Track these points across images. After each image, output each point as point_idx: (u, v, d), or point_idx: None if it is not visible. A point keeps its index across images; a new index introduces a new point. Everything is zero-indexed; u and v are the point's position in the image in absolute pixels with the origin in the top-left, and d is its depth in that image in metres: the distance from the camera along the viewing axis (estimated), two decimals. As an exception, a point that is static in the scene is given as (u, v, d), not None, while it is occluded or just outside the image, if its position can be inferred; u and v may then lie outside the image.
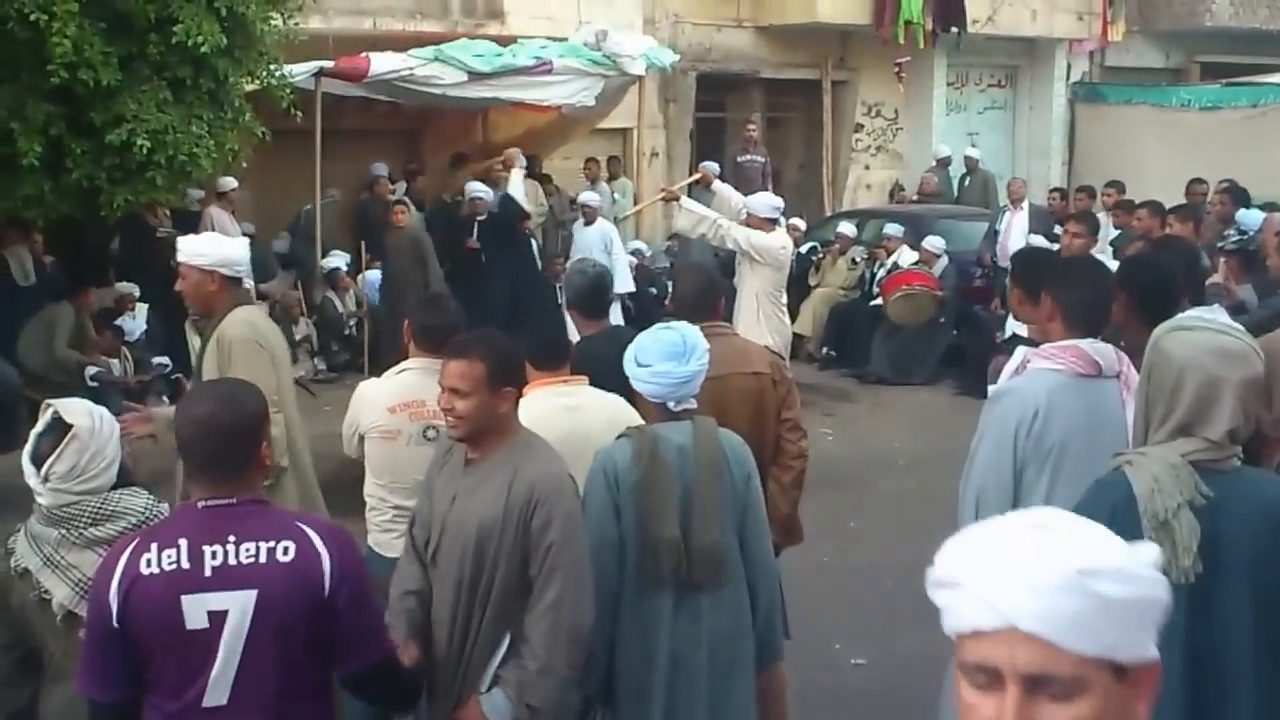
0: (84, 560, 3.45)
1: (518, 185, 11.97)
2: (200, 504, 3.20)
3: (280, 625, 3.16)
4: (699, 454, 4.16)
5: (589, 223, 13.94)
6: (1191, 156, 17.31)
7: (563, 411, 4.46)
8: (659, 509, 4.08)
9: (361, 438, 5.11)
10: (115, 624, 3.10)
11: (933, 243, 14.11)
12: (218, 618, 3.12)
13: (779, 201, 10.10)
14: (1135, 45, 22.45)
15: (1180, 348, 3.35)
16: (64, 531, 3.46)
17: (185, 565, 3.11)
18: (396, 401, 5.04)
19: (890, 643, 6.82)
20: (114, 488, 3.56)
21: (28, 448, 3.54)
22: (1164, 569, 3.11)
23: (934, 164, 18.78)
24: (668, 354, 4.20)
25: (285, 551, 3.16)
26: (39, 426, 3.56)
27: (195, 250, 5.52)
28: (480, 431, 3.92)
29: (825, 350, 14.66)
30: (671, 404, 4.23)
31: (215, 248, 5.58)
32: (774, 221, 9.75)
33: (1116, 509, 3.30)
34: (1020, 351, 4.60)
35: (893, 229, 14.59)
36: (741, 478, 4.28)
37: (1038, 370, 4.33)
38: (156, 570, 3.10)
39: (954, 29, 18.89)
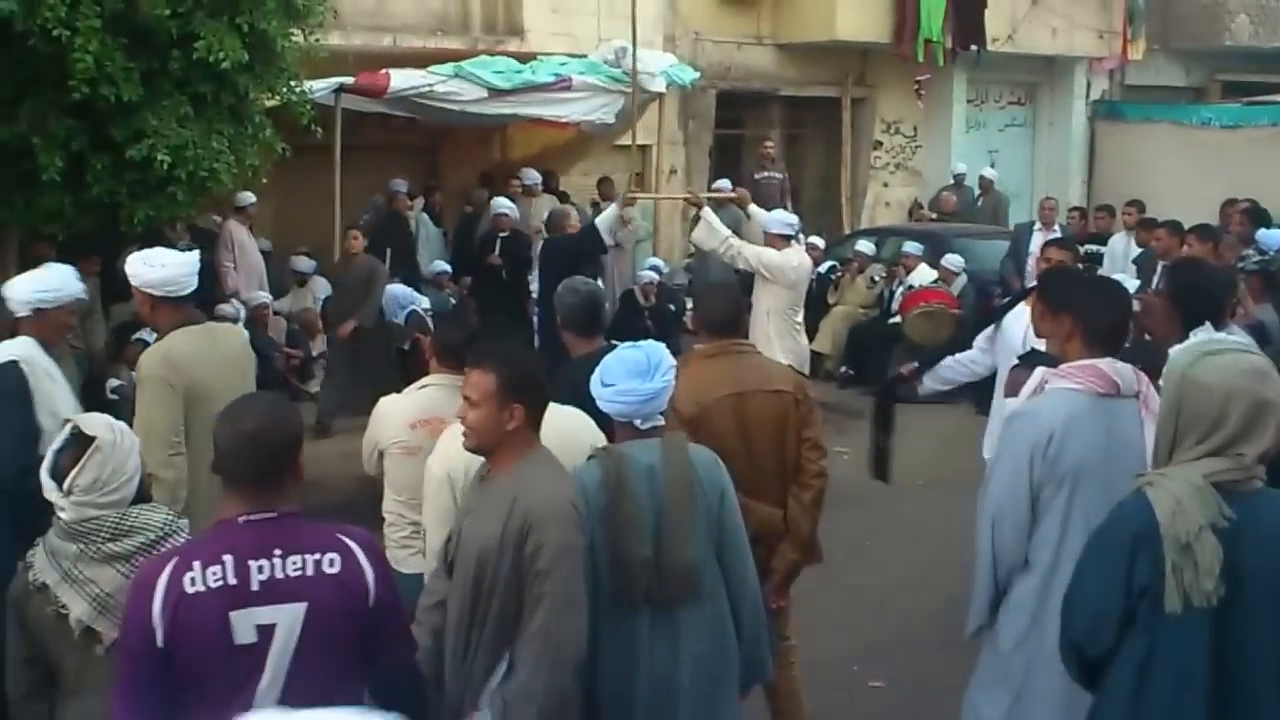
0: (102, 575, 3.45)
1: (607, 218, 11.26)
2: (241, 519, 3.21)
3: (328, 636, 3.19)
4: (669, 473, 4.13)
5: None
6: (1212, 175, 17.27)
7: None
8: (628, 529, 4.05)
9: (381, 454, 5.11)
10: (159, 644, 3.09)
11: (952, 260, 14.06)
12: (266, 631, 3.14)
13: (792, 219, 10.10)
14: (1156, 63, 22.40)
15: (1215, 375, 3.32)
16: (82, 546, 3.47)
17: (232, 581, 3.12)
18: (418, 418, 5.04)
19: (908, 665, 6.79)
20: (132, 503, 3.57)
21: (46, 463, 3.55)
22: (1186, 594, 3.16)
23: (951, 181, 18.75)
24: (631, 372, 4.17)
25: (331, 563, 3.21)
26: (57, 442, 3.57)
27: (130, 270, 5.33)
28: (488, 446, 3.90)
29: (843, 369, 14.62)
30: (638, 422, 4.20)
31: (145, 269, 5.29)
32: (788, 239, 9.74)
33: (1137, 532, 3.29)
34: (1039, 372, 4.59)
35: (911, 247, 14.54)
36: (715, 494, 4.24)
37: (1056, 391, 4.31)
38: (202, 588, 3.11)
39: (974, 47, 18.87)
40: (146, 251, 5.44)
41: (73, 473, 3.46)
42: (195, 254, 5.51)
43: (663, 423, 4.28)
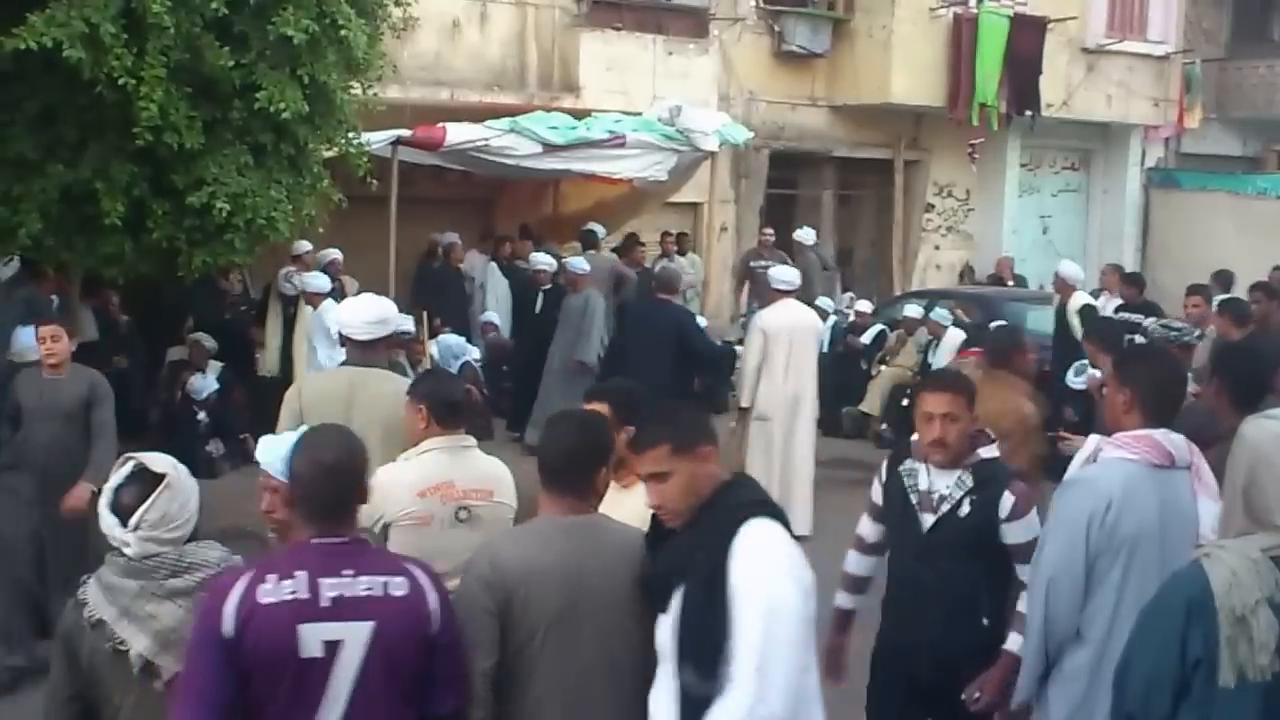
0: (164, 611, 3.47)
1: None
2: (314, 541, 3.33)
3: (392, 658, 3.28)
4: None
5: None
6: (1267, 244, 17.15)
7: None
8: None
9: (386, 527, 4.71)
10: (229, 650, 3.17)
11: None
12: (333, 648, 3.23)
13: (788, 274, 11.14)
14: (1211, 132, 22.32)
15: (1258, 435, 3.32)
16: (144, 583, 3.48)
17: (304, 595, 3.23)
18: (425, 485, 4.71)
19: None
20: (186, 541, 3.59)
21: (105, 500, 3.57)
22: (1240, 667, 3.11)
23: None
24: None
25: (399, 587, 3.32)
26: (117, 479, 3.59)
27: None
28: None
29: (883, 426, 14.55)
30: None
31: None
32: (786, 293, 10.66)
33: (1192, 603, 3.25)
34: (1093, 439, 4.54)
35: (939, 315, 14.44)
36: None
37: (1111, 460, 4.26)
38: (275, 599, 3.21)
39: (1028, 112, 18.87)
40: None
41: (142, 508, 3.48)
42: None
43: None
